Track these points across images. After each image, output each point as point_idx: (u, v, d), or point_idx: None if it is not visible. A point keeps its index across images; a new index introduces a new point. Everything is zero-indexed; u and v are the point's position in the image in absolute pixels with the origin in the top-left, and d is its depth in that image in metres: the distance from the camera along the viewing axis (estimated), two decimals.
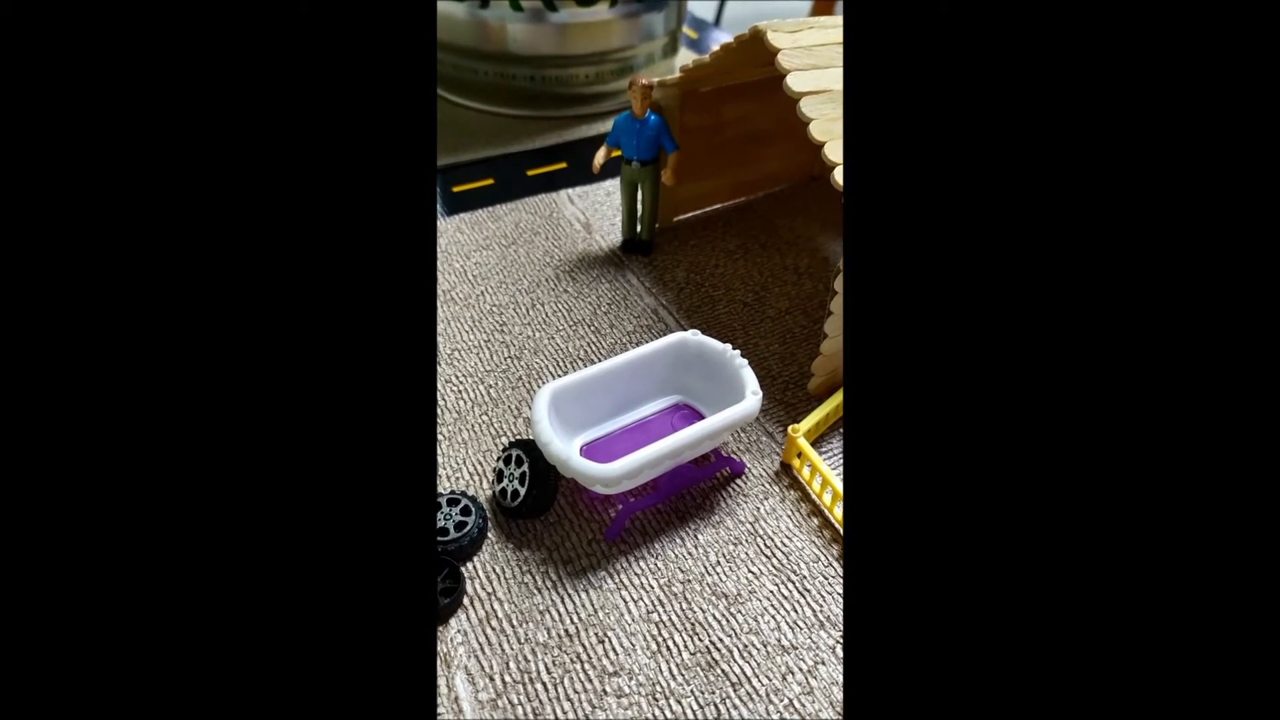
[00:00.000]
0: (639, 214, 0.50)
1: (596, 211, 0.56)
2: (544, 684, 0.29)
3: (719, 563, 0.33)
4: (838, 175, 0.34)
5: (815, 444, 0.38)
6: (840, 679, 0.29)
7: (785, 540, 0.34)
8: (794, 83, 0.36)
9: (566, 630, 0.30)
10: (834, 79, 0.36)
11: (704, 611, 0.31)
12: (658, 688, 0.29)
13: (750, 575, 0.33)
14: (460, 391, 0.41)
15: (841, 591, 0.32)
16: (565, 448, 0.32)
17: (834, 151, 0.34)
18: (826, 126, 0.35)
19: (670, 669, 0.29)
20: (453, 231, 0.53)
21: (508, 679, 0.29)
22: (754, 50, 0.39)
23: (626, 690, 0.29)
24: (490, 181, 0.59)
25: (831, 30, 0.38)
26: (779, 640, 0.30)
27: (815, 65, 0.37)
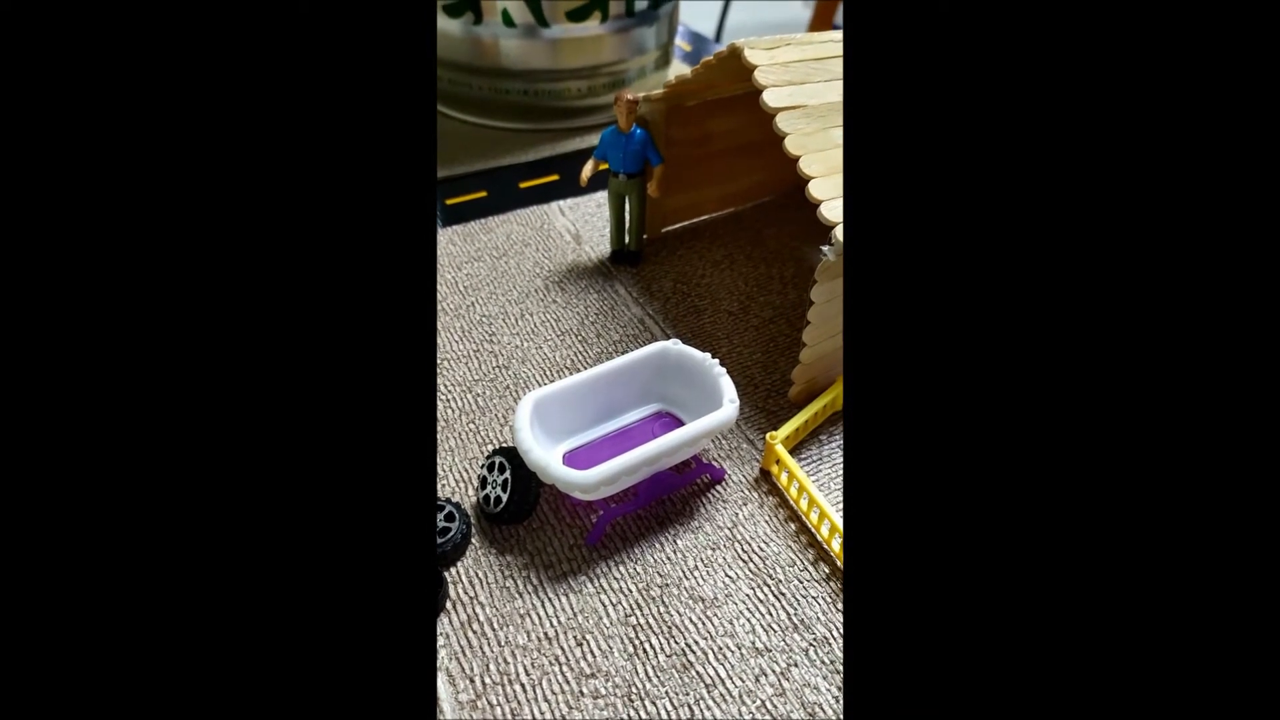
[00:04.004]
0: (627, 225, 0.51)
1: (587, 223, 0.57)
2: (523, 685, 0.30)
3: (697, 567, 0.34)
4: (813, 188, 0.35)
5: (794, 451, 0.39)
6: (812, 681, 0.30)
7: (762, 545, 0.35)
8: (770, 98, 0.37)
9: (546, 633, 0.31)
10: (810, 95, 0.37)
11: (681, 615, 0.32)
12: (634, 689, 0.29)
13: (727, 579, 0.33)
14: (448, 400, 0.42)
15: (816, 595, 0.33)
16: (545, 455, 0.33)
17: (809, 165, 0.35)
18: (802, 140, 0.36)
19: (646, 671, 0.30)
20: (445, 243, 0.54)
21: (488, 680, 0.30)
22: (733, 66, 0.40)
23: (603, 691, 0.29)
24: (484, 194, 0.60)
25: (807, 47, 0.39)
26: (753, 643, 0.31)
27: (791, 81, 0.37)
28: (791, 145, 0.36)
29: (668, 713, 0.29)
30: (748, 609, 0.32)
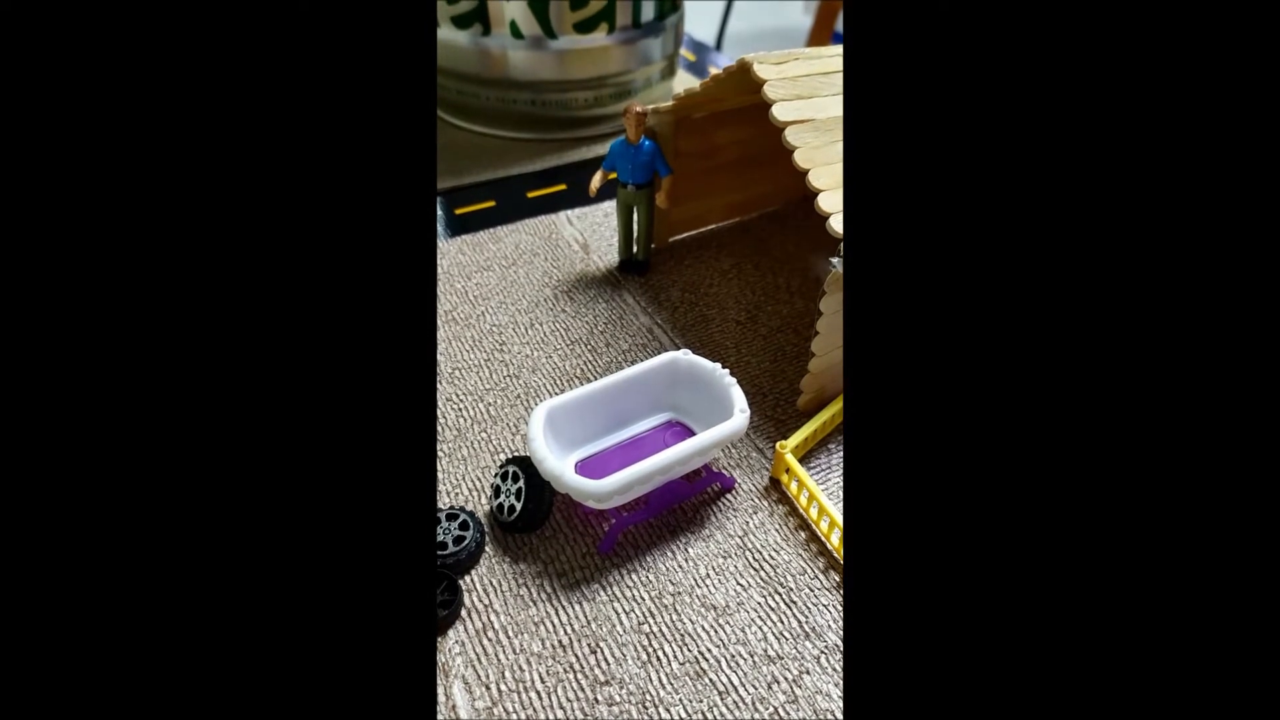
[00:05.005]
0: (635, 235, 0.51)
1: (594, 232, 0.57)
2: (538, 692, 0.30)
3: (708, 575, 0.34)
4: (822, 201, 0.35)
5: (803, 460, 0.40)
6: (823, 688, 0.30)
7: (773, 553, 0.35)
8: (779, 113, 0.37)
9: (560, 641, 0.32)
10: (818, 109, 0.38)
11: (693, 623, 0.32)
12: (647, 696, 0.30)
13: (739, 587, 0.34)
14: (460, 409, 0.42)
15: (827, 603, 0.33)
16: (559, 464, 0.33)
17: (818, 178, 0.36)
18: (810, 154, 0.36)
19: (660, 678, 0.30)
20: (455, 253, 0.54)
21: (503, 688, 0.30)
22: (742, 80, 0.40)
23: (617, 699, 0.30)
24: (492, 204, 0.61)
25: (815, 61, 0.40)
26: (765, 650, 0.31)
27: (800, 95, 0.38)
28: (800, 159, 0.36)
29: (681, 719, 0.29)
30: (759, 617, 0.33)
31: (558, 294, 0.51)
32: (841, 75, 0.40)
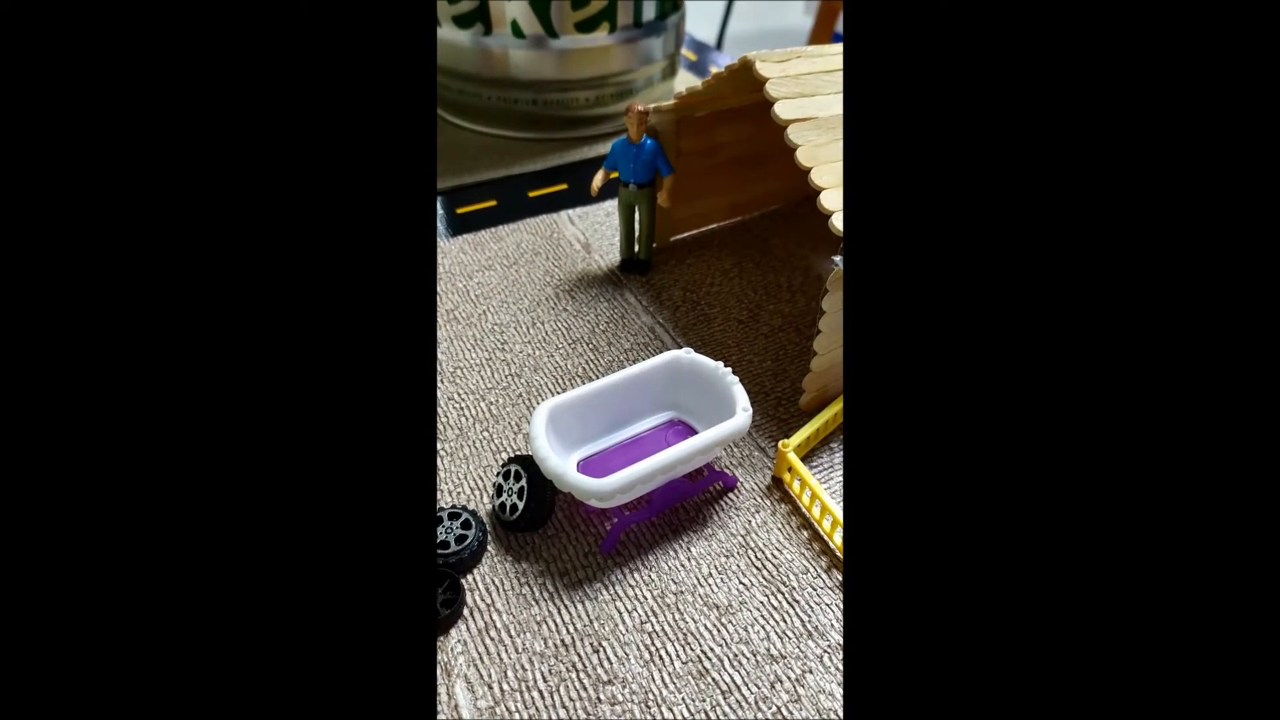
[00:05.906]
0: (637, 234, 0.51)
1: (596, 232, 0.57)
2: (540, 692, 0.30)
3: (711, 574, 0.34)
4: (824, 199, 0.35)
5: (805, 459, 0.39)
6: (826, 687, 0.30)
7: (776, 552, 0.35)
8: (782, 110, 0.37)
9: (563, 640, 0.32)
10: (820, 106, 0.38)
11: (696, 622, 0.32)
12: (650, 696, 0.30)
13: (741, 586, 0.34)
14: (462, 408, 0.42)
15: (829, 602, 0.33)
16: (561, 463, 0.33)
17: (820, 176, 0.36)
18: (812, 152, 0.36)
19: (662, 678, 0.30)
20: (456, 252, 0.54)
21: (505, 687, 0.30)
22: (744, 78, 0.40)
23: (620, 698, 0.30)
24: (493, 203, 0.61)
25: (818, 59, 0.40)
26: (768, 650, 0.31)
27: (802, 93, 0.38)
28: (803, 157, 0.36)
29: (684, 719, 0.29)
30: (762, 616, 0.33)
31: (559, 293, 0.51)
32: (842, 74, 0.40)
